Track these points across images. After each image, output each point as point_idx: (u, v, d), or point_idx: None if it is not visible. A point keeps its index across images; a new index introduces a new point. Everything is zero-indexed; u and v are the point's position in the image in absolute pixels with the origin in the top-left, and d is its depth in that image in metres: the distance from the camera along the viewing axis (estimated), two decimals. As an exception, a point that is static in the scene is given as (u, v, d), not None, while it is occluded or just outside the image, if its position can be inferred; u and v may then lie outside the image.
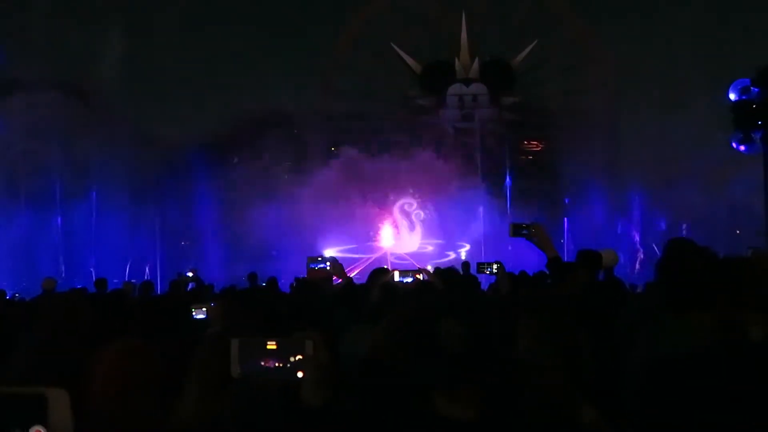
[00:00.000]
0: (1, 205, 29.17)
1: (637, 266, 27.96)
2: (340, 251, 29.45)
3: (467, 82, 42.74)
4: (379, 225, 33.33)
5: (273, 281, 11.53)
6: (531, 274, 8.61)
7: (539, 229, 5.06)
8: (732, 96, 25.39)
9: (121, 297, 9.36)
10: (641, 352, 3.26)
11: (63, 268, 29.82)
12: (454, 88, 42.58)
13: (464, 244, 32.49)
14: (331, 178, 33.10)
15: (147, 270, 31.12)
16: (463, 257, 29.60)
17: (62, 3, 32.69)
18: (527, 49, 42.33)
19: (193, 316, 6.42)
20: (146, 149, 30.91)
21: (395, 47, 42.82)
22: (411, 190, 33.53)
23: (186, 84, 33.94)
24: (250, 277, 12.60)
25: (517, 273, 8.48)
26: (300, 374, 2.38)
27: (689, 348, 2.63)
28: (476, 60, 42.72)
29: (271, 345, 2.38)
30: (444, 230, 33.48)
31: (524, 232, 5.07)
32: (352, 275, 11.36)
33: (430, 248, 32.22)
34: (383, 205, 33.36)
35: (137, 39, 34.53)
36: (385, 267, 8.04)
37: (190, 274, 12.58)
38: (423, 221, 33.60)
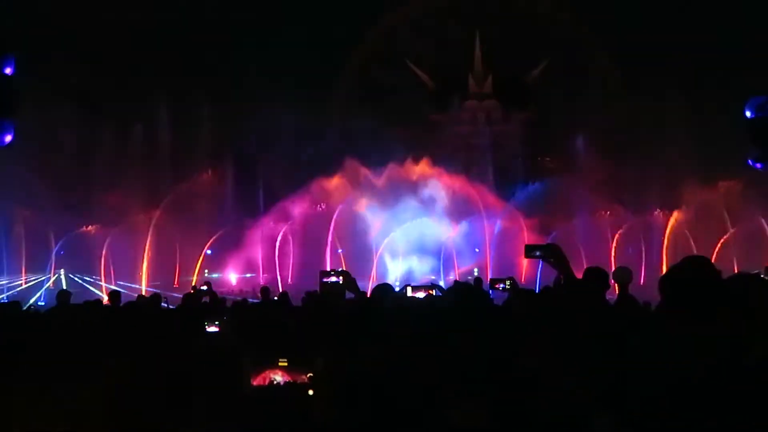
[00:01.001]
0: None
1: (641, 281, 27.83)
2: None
3: (481, 97, 42.82)
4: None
5: (285, 296, 11.56)
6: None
7: (555, 251, 5.06)
8: (748, 113, 25.23)
9: (135, 310, 9.43)
10: (648, 367, 3.29)
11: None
12: (468, 104, 42.67)
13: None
14: (337, 189, 33.39)
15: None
16: (474, 273, 29.58)
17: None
18: (540, 66, 42.40)
19: (206, 329, 6.48)
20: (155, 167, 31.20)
21: (409, 63, 43.03)
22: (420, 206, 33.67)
23: (198, 93, 34.05)
24: (262, 291, 12.62)
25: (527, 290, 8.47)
26: (310, 392, 2.40)
27: (694, 365, 2.65)
28: (489, 76, 42.82)
29: (283, 362, 2.40)
30: (457, 246, 33.46)
31: (537, 253, 5.07)
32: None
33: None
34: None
35: (141, 53, 34.84)
36: (388, 283, 8.06)
37: (204, 288, 12.61)
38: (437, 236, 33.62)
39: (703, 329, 3.05)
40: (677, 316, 3.29)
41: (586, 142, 34.33)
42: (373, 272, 31.55)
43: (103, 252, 30.39)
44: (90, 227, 31.25)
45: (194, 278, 30.82)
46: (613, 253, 31.89)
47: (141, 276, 31.04)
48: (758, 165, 25.91)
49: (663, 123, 33.49)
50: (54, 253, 30.47)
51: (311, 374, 2.26)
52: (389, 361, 3.13)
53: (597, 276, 5.51)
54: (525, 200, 35.13)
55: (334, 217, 32.55)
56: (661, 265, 30.84)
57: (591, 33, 39.83)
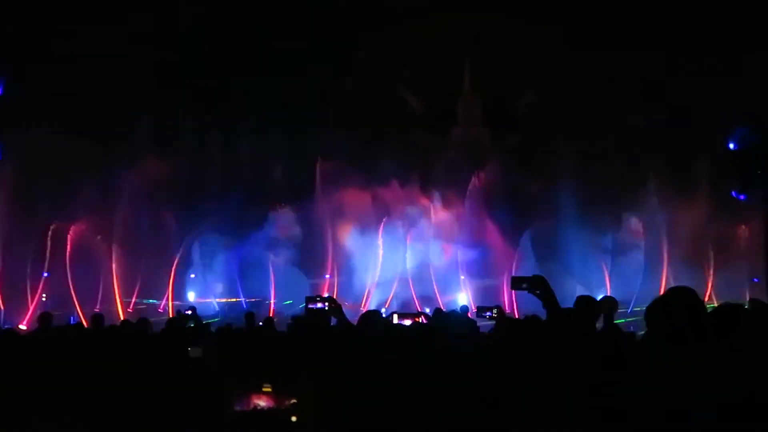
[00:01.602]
0: None
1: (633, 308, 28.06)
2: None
3: (469, 123, 43.16)
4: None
5: (270, 321, 11.48)
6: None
7: (541, 283, 5.13)
8: (731, 145, 25.68)
9: (117, 333, 9.34)
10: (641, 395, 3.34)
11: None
12: (457, 130, 42.99)
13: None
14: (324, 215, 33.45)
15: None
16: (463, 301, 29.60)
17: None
18: (530, 93, 42.79)
19: (189, 354, 6.43)
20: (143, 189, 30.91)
21: (399, 88, 43.35)
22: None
23: (183, 117, 33.83)
24: (247, 316, 12.54)
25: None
26: (294, 418, 2.38)
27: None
28: (479, 102, 43.20)
29: (267, 388, 2.38)
30: (445, 273, 33.47)
31: (524, 286, 5.12)
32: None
33: None
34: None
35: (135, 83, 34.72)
36: (376, 309, 8.06)
37: (189, 312, 12.52)
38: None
39: (691, 359, 3.10)
40: (665, 346, 3.35)
41: (573, 166, 34.53)
42: (365, 298, 31.56)
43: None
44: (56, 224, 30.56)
45: (169, 302, 30.58)
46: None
47: (126, 294, 30.56)
48: (741, 196, 26.34)
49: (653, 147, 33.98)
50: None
51: (295, 401, 2.23)
52: (376, 383, 3.12)
53: (586, 305, 5.69)
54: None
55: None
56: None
57: (582, 59, 40.20)
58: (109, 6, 36.83)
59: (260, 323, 12.03)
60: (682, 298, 3.60)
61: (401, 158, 36.85)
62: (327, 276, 32.98)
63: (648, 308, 3.69)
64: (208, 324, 13.20)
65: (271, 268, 32.60)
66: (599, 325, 6.78)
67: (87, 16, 35.10)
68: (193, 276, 32.97)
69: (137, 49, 35.42)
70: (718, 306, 3.71)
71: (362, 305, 30.38)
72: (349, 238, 33.34)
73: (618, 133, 35.40)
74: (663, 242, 32.76)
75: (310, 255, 32.80)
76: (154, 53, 35.69)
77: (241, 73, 38.42)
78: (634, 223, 34.07)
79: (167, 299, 31.31)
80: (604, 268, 32.70)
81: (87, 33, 34.11)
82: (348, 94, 40.86)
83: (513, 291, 5.90)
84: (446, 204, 35.31)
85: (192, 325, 11.74)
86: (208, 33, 38.46)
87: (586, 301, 5.87)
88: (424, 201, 35.33)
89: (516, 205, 35.44)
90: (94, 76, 33.59)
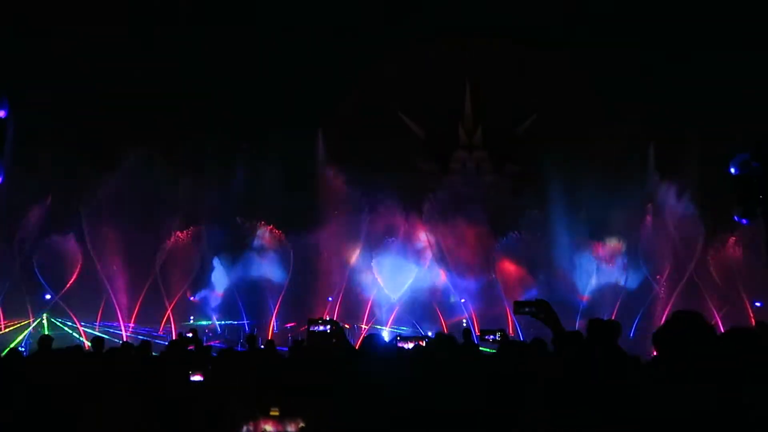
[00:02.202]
0: None
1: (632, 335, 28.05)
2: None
3: (470, 148, 43.31)
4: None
5: (271, 344, 11.39)
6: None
7: (544, 307, 5.12)
8: (732, 170, 25.70)
9: (116, 357, 9.27)
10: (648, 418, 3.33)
11: None
12: (458, 155, 43.13)
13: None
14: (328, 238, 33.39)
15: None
16: (464, 324, 29.47)
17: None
18: (530, 119, 42.99)
19: (190, 378, 6.38)
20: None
21: (401, 114, 43.57)
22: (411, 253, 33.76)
23: (187, 149, 33.73)
24: (248, 339, 12.44)
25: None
26: (301, 443, 2.34)
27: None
28: (479, 127, 43.41)
29: (274, 411, 2.35)
30: (445, 296, 33.39)
31: (527, 309, 5.11)
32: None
33: None
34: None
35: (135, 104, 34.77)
36: (377, 333, 8.02)
37: (190, 335, 12.44)
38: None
39: (699, 382, 3.07)
40: (673, 370, 3.32)
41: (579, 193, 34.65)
42: (364, 320, 31.45)
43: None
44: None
45: (172, 325, 30.42)
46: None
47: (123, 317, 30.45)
48: (744, 221, 26.28)
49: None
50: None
51: (303, 425, 2.19)
52: (382, 405, 3.08)
53: (599, 328, 5.65)
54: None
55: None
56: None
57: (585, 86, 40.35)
58: (109, 6, 36.92)
59: (261, 345, 11.95)
60: (689, 322, 3.57)
61: (402, 182, 36.97)
62: (329, 298, 32.87)
63: (654, 334, 3.66)
64: (209, 347, 13.11)
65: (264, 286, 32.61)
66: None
67: (87, 17, 35.13)
68: (193, 299, 32.85)
69: (138, 50, 35.58)
70: (728, 330, 3.70)
71: (363, 326, 30.29)
72: (350, 261, 33.31)
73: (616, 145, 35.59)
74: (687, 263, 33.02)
75: (312, 277, 32.74)
76: (154, 55, 35.83)
77: (242, 78, 38.59)
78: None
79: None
80: (617, 290, 32.87)
81: (87, 33, 34.20)
82: (349, 118, 41.07)
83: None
84: (447, 227, 35.32)
85: (193, 347, 11.66)
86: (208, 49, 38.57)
87: (597, 325, 5.80)
88: (425, 225, 35.32)
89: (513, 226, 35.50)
90: (94, 79, 33.69)
